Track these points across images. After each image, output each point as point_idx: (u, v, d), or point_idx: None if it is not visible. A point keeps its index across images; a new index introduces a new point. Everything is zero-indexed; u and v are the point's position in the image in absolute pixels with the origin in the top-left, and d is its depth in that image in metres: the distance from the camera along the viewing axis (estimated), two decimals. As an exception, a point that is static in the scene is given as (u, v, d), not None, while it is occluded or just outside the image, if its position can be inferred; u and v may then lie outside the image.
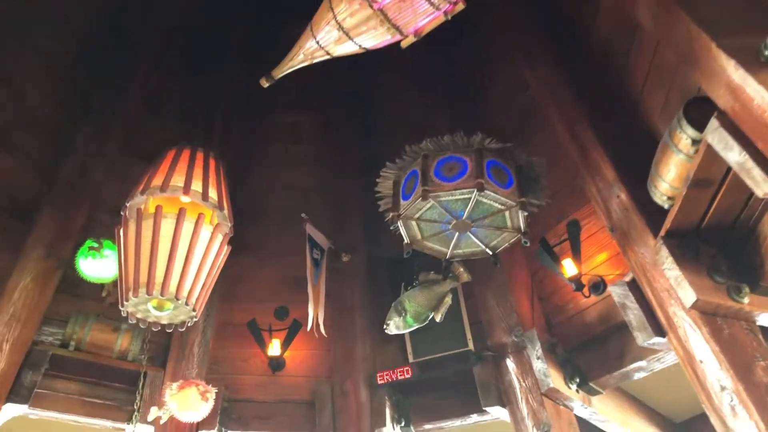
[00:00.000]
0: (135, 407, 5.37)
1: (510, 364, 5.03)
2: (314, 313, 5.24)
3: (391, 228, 4.13)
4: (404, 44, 3.12)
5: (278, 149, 6.97)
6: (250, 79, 7.12)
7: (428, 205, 3.70)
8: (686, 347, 3.76)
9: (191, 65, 7.14)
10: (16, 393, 4.96)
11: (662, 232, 3.78)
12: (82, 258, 4.79)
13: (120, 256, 3.87)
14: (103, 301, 5.75)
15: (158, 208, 3.82)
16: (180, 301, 3.64)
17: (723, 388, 3.51)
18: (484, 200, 3.73)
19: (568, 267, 4.76)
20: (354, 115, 7.07)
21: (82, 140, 5.81)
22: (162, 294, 3.59)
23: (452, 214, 3.82)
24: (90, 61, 6.33)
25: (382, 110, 7.04)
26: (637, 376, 4.64)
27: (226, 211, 4.00)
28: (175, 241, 3.71)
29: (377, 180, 4.25)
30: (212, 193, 4.00)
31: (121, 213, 3.99)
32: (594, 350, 4.82)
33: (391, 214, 3.93)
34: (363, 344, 5.85)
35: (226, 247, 4.03)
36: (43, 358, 5.13)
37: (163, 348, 5.80)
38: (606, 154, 4.31)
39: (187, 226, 3.79)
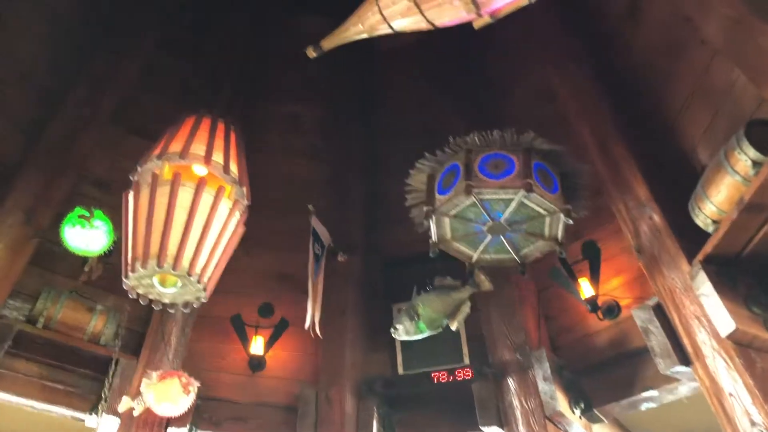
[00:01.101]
0: (103, 396, 4.93)
1: (512, 383, 4.81)
2: (312, 311, 4.92)
3: (417, 224, 3.91)
4: (477, 25, 2.90)
5: (276, 139, 6.63)
6: (251, 65, 6.99)
7: (468, 202, 3.47)
8: (714, 378, 3.62)
9: (195, 45, 6.78)
10: (-25, 368, 4.48)
11: (700, 257, 3.65)
12: (68, 226, 4.36)
13: (127, 223, 3.53)
14: (77, 278, 5.32)
15: (177, 175, 3.50)
16: (192, 278, 3.31)
17: (753, 424, 3.37)
18: (528, 203, 3.54)
19: (585, 288, 4.59)
20: (360, 111, 6.80)
21: (74, 104, 5.38)
22: (174, 268, 3.26)
23: (490, 214, 3.61)
24: (91, 24, 5.91)
25: (392, 108, 6.79)
26: (645, 406, 4.48)
27: (245, 189, 3.70)
28: (192, 212, 3.40)
29: (409, 174, 4.02)
30: (233, 167, 3.71)
31: (131, 177, 3.65)
32: (601, 376, 4.64)
33: (425, 208, 3.68)
34: (353, 350, 5.54)
35: (242, 226, 3.72)
36: (7, 332, 4.65)
37: (138, 335, 5.36)
38: (639, 172, 4.19)
39: (206, 198, 3.48)
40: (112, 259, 5.34)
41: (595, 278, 4.58)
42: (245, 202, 3.71)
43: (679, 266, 3.86)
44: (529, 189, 3.45)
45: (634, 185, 4.20)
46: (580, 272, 4.76)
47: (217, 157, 3.67)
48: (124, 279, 3.41)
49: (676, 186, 4.06)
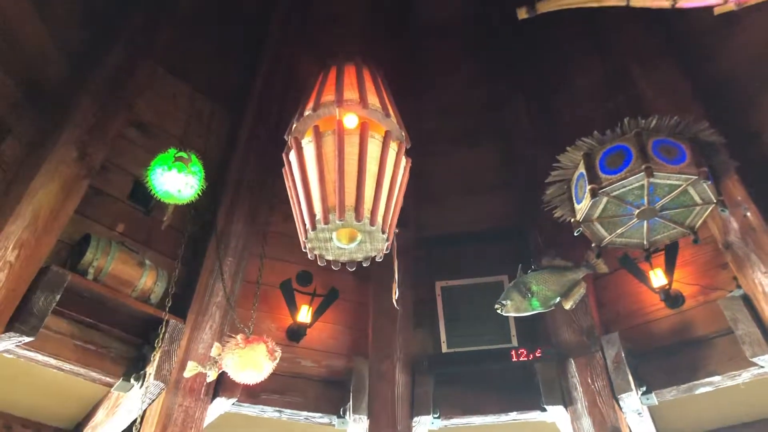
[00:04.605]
0: (153, 359, 4.43)
1: (577, 365, 4.95)
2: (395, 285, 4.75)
3: (576, 234, 3.95)
4: (718, 11, 2.96)
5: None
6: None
7: (639, 183, 3.53)
8: (804, 366, 3.98)
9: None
10: (23, 321, 3.85)
11: (808, 255, 3.99)
12: (162, 168, 3.86)
13: (293, 180, 3.22)
14: (114, 229, 4.75)
15: (340, 123, 3.23)
16: (374, 228, 3.07)
17: None
18: (659, 182, 3.64)
19: (658, 277, 4.83)
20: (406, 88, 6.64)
21: (132, 33, 4.78)
22: (357, 219, 3.01)
23: (632, 204, 3.69)
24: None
25: (438, 86, 6.69)
26: (701, 390, 4.79)
27: (403, 132, 3.48)
28: (362, 160, 3.15)
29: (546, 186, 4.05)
30: (391, 110, 3.47)
31: (286, 137, 3.34)
32: (659, 361, 4.89)
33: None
34: (403, 326, 5.42)
35: (408, 171, 3.49)
36: (59, 281, 4.04)
37: (181, 297, 4.86)
38: (735, 173, 4.46)
39: (374, 144, 3.24)
40: (155, 215, 4.89)
41: (670, 269, 4.82)
42: (407, 144, 3.49)
43: (773, 262, 4.18)
44: (649, 173, 3.57)
45: (727, 183, 4.46)
46: (644, 262, 4.99)
47: (373, 101, 3.43)
48: (303, 240, 3.11)
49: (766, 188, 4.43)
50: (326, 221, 2.99)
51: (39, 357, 4.26)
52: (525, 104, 6.11)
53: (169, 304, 4.54)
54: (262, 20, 6.26)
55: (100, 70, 4.52)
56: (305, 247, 3.17)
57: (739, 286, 4.44)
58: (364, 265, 3.28)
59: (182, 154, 3.94)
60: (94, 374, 4.53)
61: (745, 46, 4.74)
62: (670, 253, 4.82)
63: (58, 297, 4.01)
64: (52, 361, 4.34)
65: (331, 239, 3.10)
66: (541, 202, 4.91)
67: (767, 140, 4.57)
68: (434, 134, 6.36)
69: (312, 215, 3.05)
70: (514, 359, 5.17)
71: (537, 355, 5.02)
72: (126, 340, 4.70)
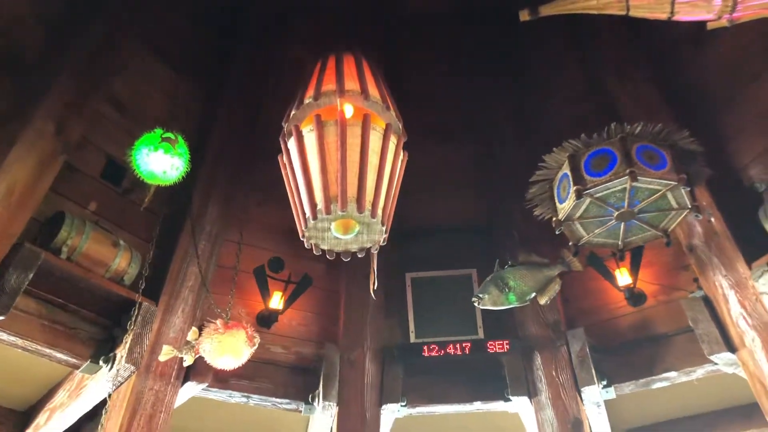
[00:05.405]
0: (124, 342, 4.34)
1: (543, 357, 5.12)
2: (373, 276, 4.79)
3: (557, 233, 4.07)
4: (711, 26, 3.10)
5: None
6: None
7: (621, 187, 3.68)
8: (758, 364, 4.24)
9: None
10: (-7, 299, 3.70)
11: (767, 259, 4.23)
12: (148, 149, 3.76)
13: (291, 168, 3.20)
14: (86, 208, 4.61)
15: (342, 114, 3.23)
16: (375, 220, 3.10)
17: (794, 403, 4.04)
18: (641, 186, 3.80)
19: (624, 276, 5.04)
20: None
21: (113, 6, 4.63)
22: (359, 211, 3.03)
23: (613, 206, 3.85)
24: None
25: (419, 78, 6.72)
26: (658, 385, 5.04)
27: (401, 125, 3.52)
28: (364, 150, 3.17)
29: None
30: (390, 103, 3.50)
31: (284, 124, 3.33)
32: (620, 356, 5.11)
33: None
34: (375, 315, 5.47)
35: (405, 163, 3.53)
36: (33, 259, 3.89)
37: (152, 280, 4.76)
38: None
39: (375, 137, 3.26)
40: (134, 196, 4.78)
41: (635, 268, 5.04)
42: (404, 137, 3.52)
43: (734, 266, 4.42)
44: (634, 177, 3.74)
45: (695, 191, 4.67)
46: (610, 260, 5.21)
47: (374, 93, 3.45)
48: (302, 229, 3.11)
49: (728, 196, 4.67)
50: (328, 211, 3.00)
51: (4, 336, 4.12)
52: (500, 102, 6.22)
53: (143, 287, 4.45)
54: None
55: (80, 44, 4.37)
56: (303, 236, 3.16)
57: (700, 288, 4.68)
58: (359, 255, 3.30)
59: (169, 134, 3.85)
60: (60, 355, 4.41)
61: (713, 60, 4.97)
62: (636, 254, 5.04)
63: (31, 275, 3.87)
64: (19, 341, 4.20)
65: (329, 229, 3.11)
66: (513, 200, 5.03)
67: (731, 150, 4.81)
68: (408, 127, 6.37)
69: (313, 204, 3.04)
70: (481, 351, 5.30)
71: (503, 347, 5.16)
72: (95, 322, 4.59)
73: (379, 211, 3.14)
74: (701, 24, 3.16)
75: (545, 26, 5.76)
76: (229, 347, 4.02)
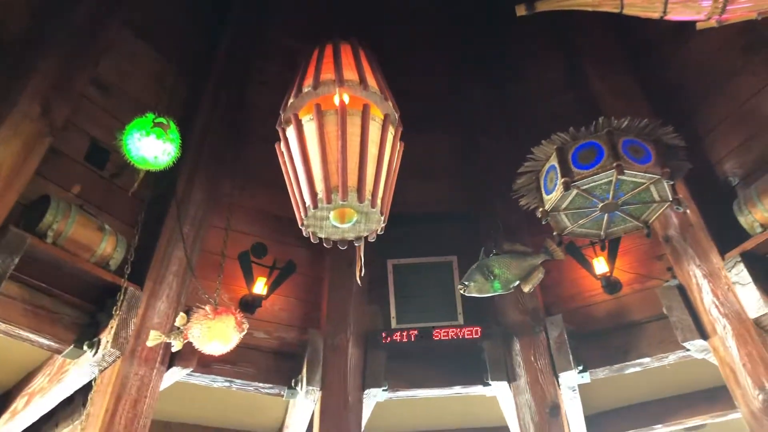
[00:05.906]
0: (109, 326, 4.31)
1: (523, 343, 5.26)
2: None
3: (543, 223, 4.21)
4: (700, 26, 3.19)
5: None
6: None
7: (607, 179, 3.79)
8: (729, 350, 4.44)
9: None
10: (-21, 284, 3.65)
11: (739, 250, 4.40)
12: (140, 133, 3.71)
13: (290, 157, 3.22)
14: (69, 191, 4.54)
15: (342, 103, 3.26)
16: (374, 210, 3.15)
17: (760, 388, 4.24)
18: (627, 179, 3.91)
19: (600, 265, 5.20)
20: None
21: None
22: (359, 200, 3.07)
23: (598, 197, 3.97)
24: None
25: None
26: (632, 370, 5.22)
27: (397, 115, 3.56)
28: (364, 140, 3.21)
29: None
30: (387, 93, 3.53)
31: (281, 112, 3.33)
32: (596, 342, 5.28)
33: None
34: (357, 301, 5.53)
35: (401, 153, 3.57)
36: (19, 243, 3.83)
37: (137, 265, 4.71)
38: (677, 173, 4.83)
39: (374, 127, 3.29)
40: (121, 181, 4.73)
41: (612, 257, 5.20)
42: (401, 127, 3.57)
43: (708, 257, 4.60)
44: (620, 171, 3.85)
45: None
46: (588, 249, 5.37)
47: (372, 83, 3.48)
48: (301, 217, 3.13)
49: (704, 188, 4.85)
50: (328, 201, 3.03)
51: (-7, 324, 4.06)
52: (483, 93, 6.29)
53: (129, 272, 4.41)
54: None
55: (66, 24, 4.27)
56: (302, 224, 3.19)
57: (674, 277, 4.87)
58: (356, 244, 3.35)
59: (161, 119, 3.81)
60: (43, 340, 4.36)
61: (692, 57, 5.12)
62: (613, 243, 5.19)
63: (17, 260, 3.82)
64: (1, 326, 4.14)
65: (327, 218, 3.14)
66: (494, 189, 5.11)
67: (707, 145, 4.98)
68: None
69: (313, 193, 3.07)
70: (466, 337, 5.41)
71: (483, 333, 5.29)
72: (79, 306, 4.55)
73: (379, 201, 3.19)
74: (682, 21, 3.27)
75: (528, 19, 5.89)
76: (218, 333, 4.03)
